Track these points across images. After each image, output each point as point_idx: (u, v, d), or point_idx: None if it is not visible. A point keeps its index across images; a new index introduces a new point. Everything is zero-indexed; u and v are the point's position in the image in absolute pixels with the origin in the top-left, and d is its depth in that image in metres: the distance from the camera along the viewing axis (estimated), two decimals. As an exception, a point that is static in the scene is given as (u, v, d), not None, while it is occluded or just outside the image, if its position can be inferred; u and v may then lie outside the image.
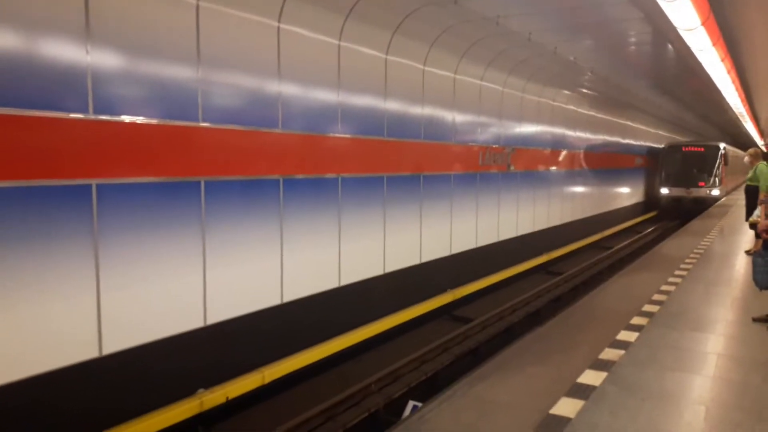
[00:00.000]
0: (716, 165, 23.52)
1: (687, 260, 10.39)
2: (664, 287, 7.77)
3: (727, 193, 27.88)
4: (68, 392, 4.90)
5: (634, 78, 15.60)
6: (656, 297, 7.24)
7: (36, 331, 4.68)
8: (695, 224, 17.21)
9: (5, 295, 4.45)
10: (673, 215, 24.07)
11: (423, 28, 8.72)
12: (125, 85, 5.23)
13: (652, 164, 25.70)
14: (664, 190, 24.15)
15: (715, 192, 23.46)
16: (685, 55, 10.40)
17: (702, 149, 24.18)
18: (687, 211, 22.52)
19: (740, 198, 19.82)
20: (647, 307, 6.70)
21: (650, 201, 25.78)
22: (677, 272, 9.04)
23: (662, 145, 26.06)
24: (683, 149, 24.54)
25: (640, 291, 7.60)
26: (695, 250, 11.77)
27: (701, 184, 23.44)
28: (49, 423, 4.81)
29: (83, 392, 5.03)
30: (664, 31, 8.57)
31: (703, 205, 22.75)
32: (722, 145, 24.29)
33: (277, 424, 5.82)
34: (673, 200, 23.93)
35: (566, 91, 15.29)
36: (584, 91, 16.08)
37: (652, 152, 26.04)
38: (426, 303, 9.54)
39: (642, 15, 8.59)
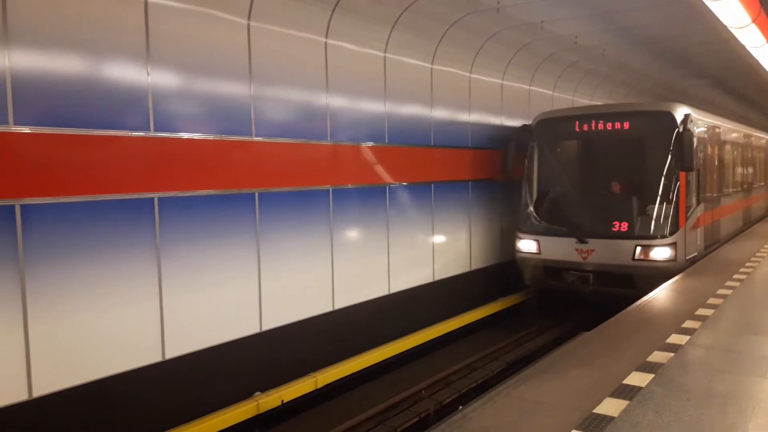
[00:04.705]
0: (664, 171, 8.81)
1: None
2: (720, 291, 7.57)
3: (705, 251, 10.29)
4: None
5: (692, 77, 15.21)
6: (711, 300, 7.07)
7: (96, 337, 4.98)
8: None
9: (72, 302, 4.80)
10: (559, 306, 10.17)
11: (467, 37, 8.84)
12: (183, 104, 5.58)
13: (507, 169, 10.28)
14: (526, 245, 9.63)
15: (663, 252, 8.65)
16: (739, 51, 10.14)
17: (624, 125, 9.13)
18: (590, 300, 9.20)
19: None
20: (701, 311, 6.56)
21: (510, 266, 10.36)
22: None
23: (528, 121, 10.40)
24: (577, 127, 9.56)
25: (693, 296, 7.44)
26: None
27: (620, 226, 8.94)
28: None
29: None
30: (714, 28, 8.42)
31: (630, 286, 8.62)
32: (683, 112, 8.86)
33: (330, 427, 6.01)
34: (549, 274, 9.50)
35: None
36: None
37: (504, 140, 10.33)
38: (476, 311, 9.56)
39: (685, 15, 8.48)
